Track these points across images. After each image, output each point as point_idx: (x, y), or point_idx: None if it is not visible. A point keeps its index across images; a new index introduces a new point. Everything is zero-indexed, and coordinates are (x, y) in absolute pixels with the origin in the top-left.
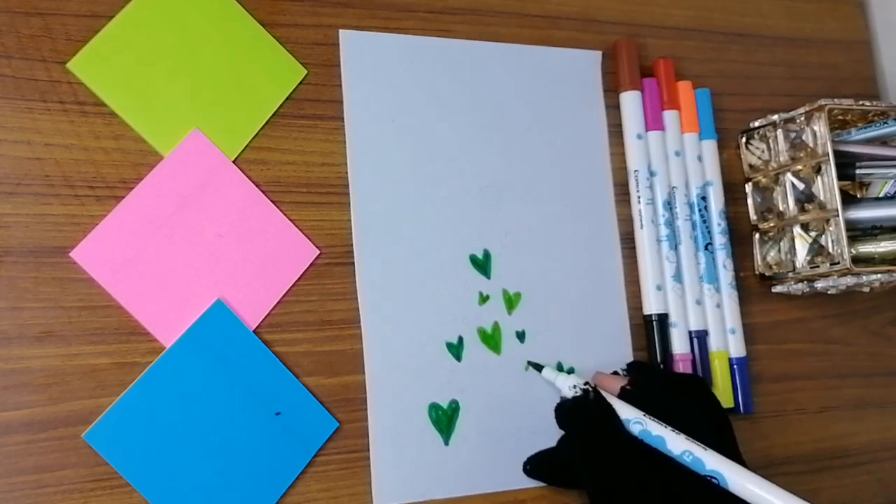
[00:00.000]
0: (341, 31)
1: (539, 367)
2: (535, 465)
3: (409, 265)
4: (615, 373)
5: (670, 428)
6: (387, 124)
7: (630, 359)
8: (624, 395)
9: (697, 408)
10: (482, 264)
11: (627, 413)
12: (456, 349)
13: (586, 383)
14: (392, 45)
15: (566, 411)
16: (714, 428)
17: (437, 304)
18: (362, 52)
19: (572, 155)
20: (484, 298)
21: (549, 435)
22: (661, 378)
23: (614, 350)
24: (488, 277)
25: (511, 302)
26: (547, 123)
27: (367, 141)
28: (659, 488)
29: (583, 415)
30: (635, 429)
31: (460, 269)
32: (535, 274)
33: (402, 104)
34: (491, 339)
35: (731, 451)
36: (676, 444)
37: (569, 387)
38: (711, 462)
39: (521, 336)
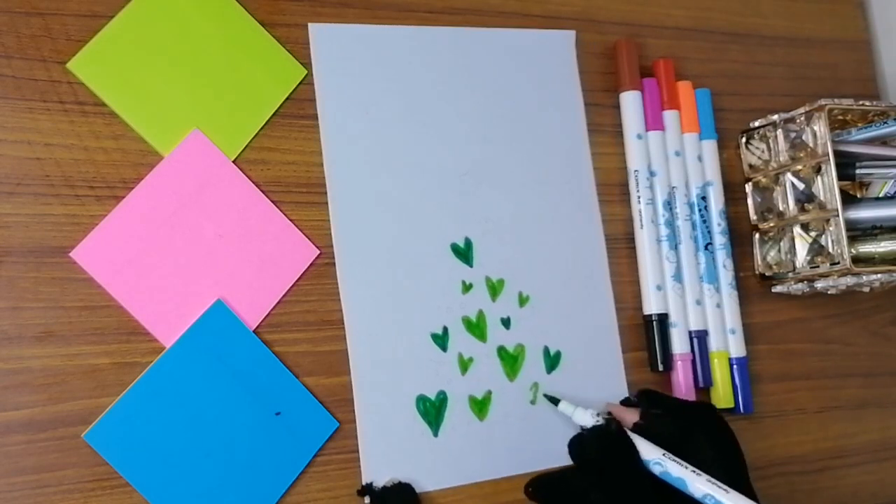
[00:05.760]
0: (310, 25)
1: (556, 401)
2: (540, 489)
3: (391, 257)
4: (626, 400)
5: (691, 468)
6: (361, 116)
7: (615, 340)
8: (636, 430)
9: (708, 441)
10: (464, 252)
11: (648, 453)
12: (441, 340)
13: (609, 414)
14: (363, 36)
15: (586, 442)
16: (724, 463)
17: (421, 294)
18: (333, 45)
19: (548, 136)
20: (467, 287)
21: (539, 423)
22: (671, 410)
23: (599, 333)
24: (471, 265)
25: (494, 289)
26: (521, 106)
27: (342, 134)
28: None
29: (605, 447)
30: (656, 469)
31: (442, 258)
32: (517, 259)
33: (376, 95)
34: (476, 328)
35: (742, 484)
36: (697, 486)
37: (591, 415)
38: None
39: (506, 323)
